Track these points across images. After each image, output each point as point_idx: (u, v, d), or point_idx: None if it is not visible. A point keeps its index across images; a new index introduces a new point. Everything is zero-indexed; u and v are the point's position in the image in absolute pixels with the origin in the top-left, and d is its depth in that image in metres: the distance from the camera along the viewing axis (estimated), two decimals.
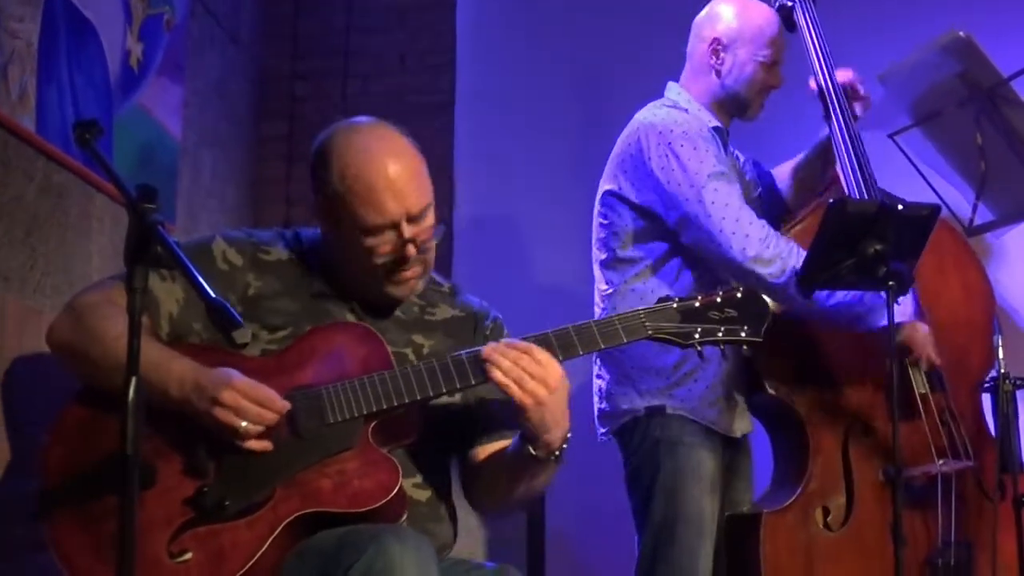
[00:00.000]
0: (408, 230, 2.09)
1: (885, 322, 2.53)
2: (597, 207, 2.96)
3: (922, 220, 2.50)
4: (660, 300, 2.11)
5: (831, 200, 2.62)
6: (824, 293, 2.71)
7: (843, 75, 3.00)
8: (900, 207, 2.46)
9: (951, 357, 2.88)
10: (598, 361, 2.95)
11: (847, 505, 2.81)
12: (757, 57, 2.92)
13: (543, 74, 4.14)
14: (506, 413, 2.14)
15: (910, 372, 2.82)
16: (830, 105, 2.97)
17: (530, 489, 2.15)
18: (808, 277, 2.52)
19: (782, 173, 3.22)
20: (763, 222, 2.76)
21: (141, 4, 3.17)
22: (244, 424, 1.91)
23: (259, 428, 1.93)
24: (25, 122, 2.56)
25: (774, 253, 2.70)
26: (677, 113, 2.88)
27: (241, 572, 1.90)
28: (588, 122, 3.98)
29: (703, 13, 3.02)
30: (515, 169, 3.93)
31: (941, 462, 2.78)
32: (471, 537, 2.37)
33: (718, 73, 2.94)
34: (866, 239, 2.43)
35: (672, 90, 3.00)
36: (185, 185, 3.58)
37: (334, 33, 4.35)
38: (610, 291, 2.91)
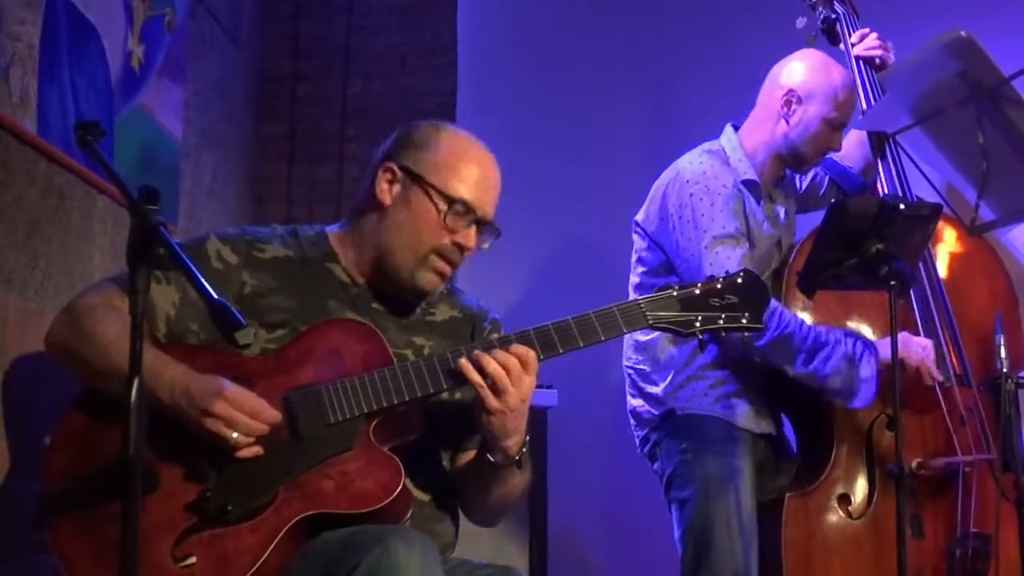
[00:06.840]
0: (474, 231, 2.15)
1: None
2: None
3: (923, 219, 2.50)
4: (660, 288, 2.10)
5: (832, 200, 2.63)
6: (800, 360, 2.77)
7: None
8: (901, 206, 2.46)
9: (979, 357, 2.95)
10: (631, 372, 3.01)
11: (868, 494, 2.85)
12: (826, 116, 2.95)
13: (544, 75, 4.14)
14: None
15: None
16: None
17: (504, 497, 2.15)
18: (810, 276, 2.52)
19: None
20: None
21: (142, 5, 3.17)
22: (235, 435, 1.91)
23: (249, 439, 1.92)
24: (26, 124, 2.55)
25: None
26: (710, 165, 2.92)
27: None
28: (589, 123, 3.98)
29: (784, 62, 3.04)
30: (516, 171, 3.93)
31: (962, 455, 2.81)
32: (473, 537, 2.36)
33: (786, 122, 2.96)
34: (868, 239, 2.43)
35: (725, 135, 3.03)
36: (187, 186, 3.58)
37: (335, 34, 4.35)
38: None
